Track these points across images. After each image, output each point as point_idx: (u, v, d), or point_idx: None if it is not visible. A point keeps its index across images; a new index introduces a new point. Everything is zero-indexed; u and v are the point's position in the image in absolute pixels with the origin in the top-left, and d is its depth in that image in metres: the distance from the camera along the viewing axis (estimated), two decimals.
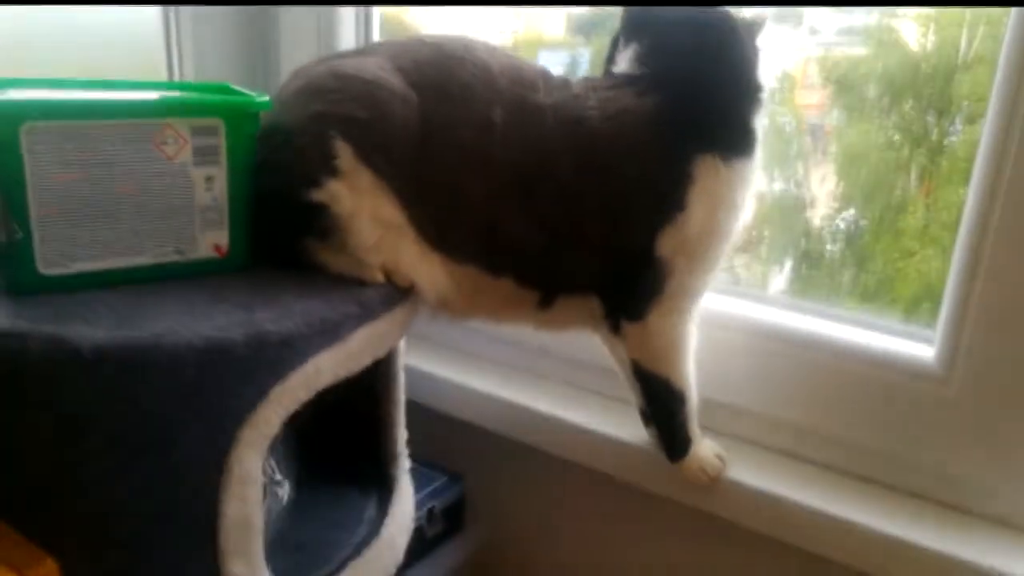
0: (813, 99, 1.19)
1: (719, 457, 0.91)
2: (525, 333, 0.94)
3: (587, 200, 0.80)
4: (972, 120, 1.01)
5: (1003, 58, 0.79)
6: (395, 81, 0.80)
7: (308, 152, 0.78)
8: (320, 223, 0.79)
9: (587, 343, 0.95)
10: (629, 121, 0.80)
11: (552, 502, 1.14)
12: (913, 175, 1.07)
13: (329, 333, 0.73)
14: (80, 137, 0.71)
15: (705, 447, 0.91)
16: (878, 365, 0.89)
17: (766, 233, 1.17)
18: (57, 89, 0.78)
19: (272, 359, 0.69)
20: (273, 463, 0.88)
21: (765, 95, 0.85)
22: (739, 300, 1.01)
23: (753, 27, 0.86)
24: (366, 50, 0.87)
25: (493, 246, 0.82)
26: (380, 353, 0.80)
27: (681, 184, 0.79)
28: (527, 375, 1.11)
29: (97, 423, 0.65)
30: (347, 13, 1.29)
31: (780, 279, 1.18)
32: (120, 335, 0.64)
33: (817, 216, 1.14)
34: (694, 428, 0.89)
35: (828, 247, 1.13)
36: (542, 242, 0.81)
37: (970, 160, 0.95)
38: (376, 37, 1.34)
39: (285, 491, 0.90)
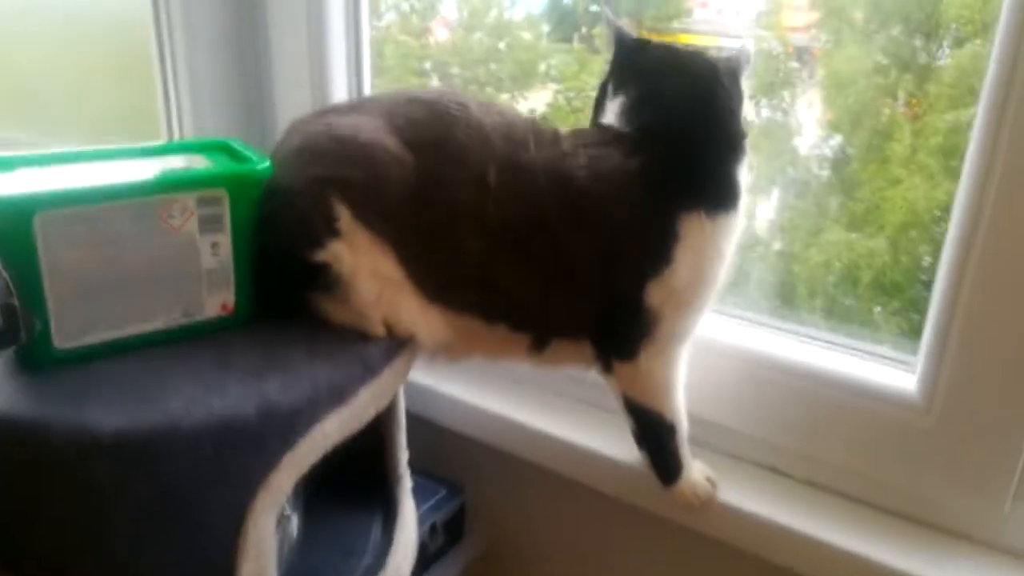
0: (799, 21, 1.19)
1: (710, 480, 0.95)
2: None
3: (578, 255, 0.82)
4: (960, 43, 1.02)
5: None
6: (390, 142, 0.81)
7: (310, 214, 0.80)
8: (323, 280, 0.82)
9: None
10: (617, 181, 0.82)
11: (548, 516, 1.17)
12: (900, 101, 1.08)
13: (336, 397, 0.76)
14: (91, 220, 0.73)
15: (696, 471, 0.95)
16: (860, 394, 0.92)
17: (753, 162, 1.19)
18: (63, 164, 0.79)
19: (283, 429, 0.72)
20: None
21: (748, 142, 0.87)
22: (726, 325, 1.03)
23: (735, 69, 0.88)
24: (360, 106, 0.89)
25: (489, 297, 0.84)
26: (383, 406, 0.83)
27: (668, 241, 0.81)
28: (527, 389, 1.14)
29: (118, 500, 0.68)
30: (339, 64, 1.30)
31: (767, 207, 1.20)
32: (138, 419, 0.67)
33: (804, 144, 1.15)
34: (685, 454, 0.93)
35: (815, 173, 1.15)
36: (536, 293, 0.84)
37: (956, 85, 0.98)
38: (368, 88, 1.34)
39: (294, 525, 0.93)
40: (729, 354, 0.99)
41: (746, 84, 0.89)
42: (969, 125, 1.00)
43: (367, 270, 0.82)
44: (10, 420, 0.67)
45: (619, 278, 0.83)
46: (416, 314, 0.84)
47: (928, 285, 1.11)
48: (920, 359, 0.89)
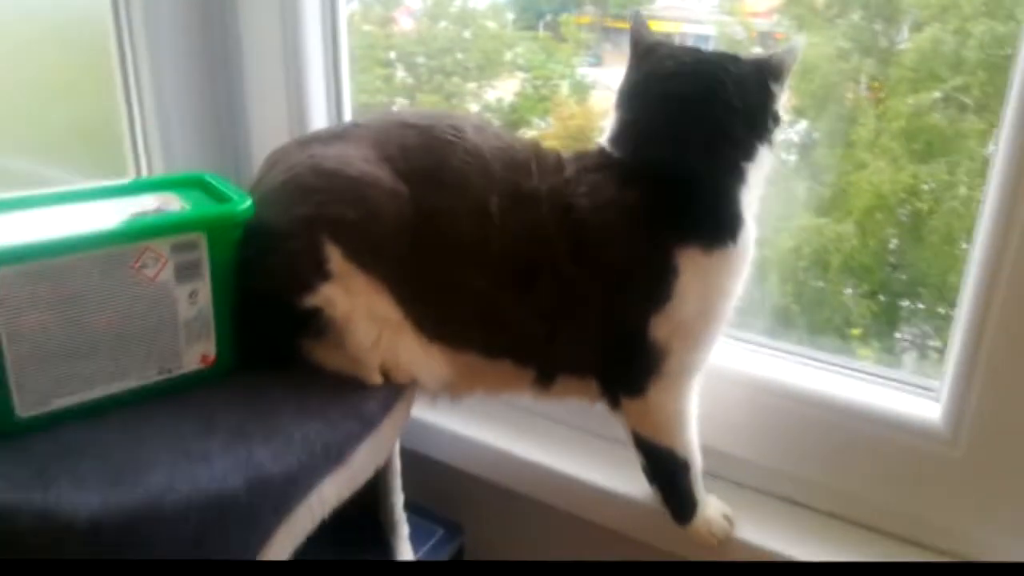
0: (762, 7, 1.19)
1: (726, 517, 0.91)
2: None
3: (581, 287, 0.77)
4: (919, 27, 1.02)
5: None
6: (382, 174, 0.76)
7: (299, 257, 0.75)
8: (315, 325, 0.76)
9: None
10: (614, 213, 0.77)
11: (553, 555, 1.13)
12: (863, 85, 1.08)
13: (332, 458, 0.70)
14: (53, 275, 0.65)
15: (712, 508, 0.90)
16: (884, 424, 0.88)
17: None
18: (15, 211, 0.72)
19: (275, 500, 0.66)
20: None
21: (759, 164, 0.80)
22: (745, 353, 0.99)
23: (763, 78, 0.79)
24: (346, 134, 0.82)
25: (492, 333, 0.80)
26: (383, 462, 0.78)
27: (666, 276, 0.76)
28: (527, 420, 1.09)
29: None
30: (318, 92, 1.22)
31: None
32: (115, 501, 0.61)
33: None
34: (700, 490, 0.89)
35: (782, 158, 1.10)
36: (540, 328, 0.79)
37: (917, 69, 0.99)
38: (347, 100, 1.26)
39: None
40: (745, 383, 0.94)
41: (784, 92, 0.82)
42: (930, 108, 1.04)
43: (363, 312, 0.76)
44: None
45: (622, 312, 0.78)
46: (417, 355, 0.79)
47: (895, 267, 1.16)
48: (944, 387, 0.85)
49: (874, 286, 1.14)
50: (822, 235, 1.12)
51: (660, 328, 0.78)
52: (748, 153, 0.79)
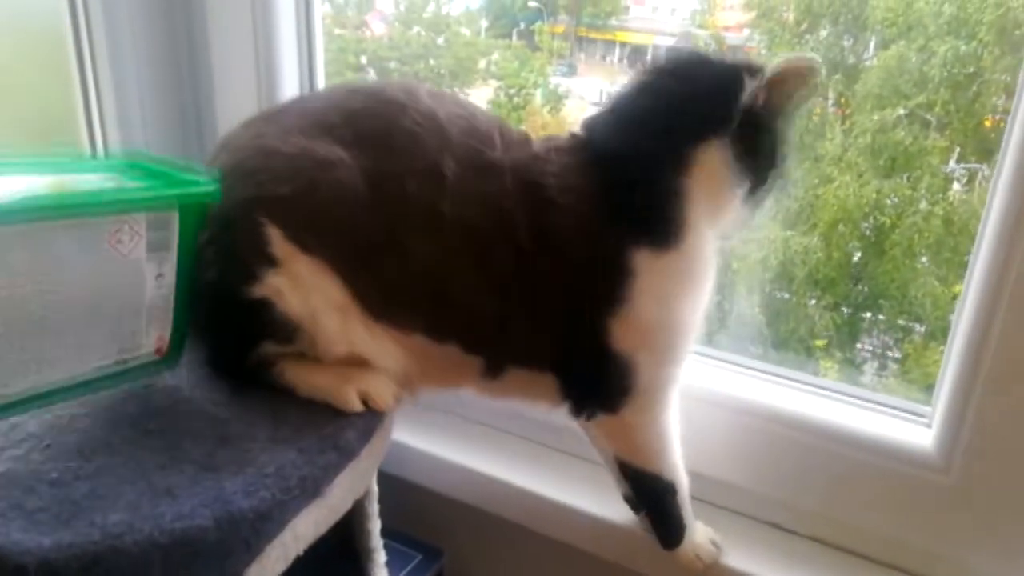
0: (733, 21, 1.21)
1: (713, 543, 0.88)
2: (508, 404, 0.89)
3: (541, 269, 0.72)
4: (886, 45, 1.05)
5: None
6: (320, 145, 0.72)
7: (242, 244, 0.71)
8: (269, 322, 0.71)
9: None
10: (574, 200, 0.72)
11: None
12: (831, 100, 1.11)
13: (308, 492, 0.65)
14: (31, 242, 0.60)
15: (700, 533, 0.87)
16: (874, 450, 0.86)
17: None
18: None
19: (247, 537, 0.61)
20: None
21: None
22: (734, 377, 0.96)
23: (734, 87, 0.73)
24: (288, 108, 0.79)
25: (440, 311, 0.74)
26: (360, 493, 0.73)
27: (620, 277, 0.72)
28: (507, 442, 1.06)
29: None
30: (290, 62, 1.16)
31: None
32: (69, 541, 0.55)
33: None
34: (688, 514, 0.86)
35: None
36: (491, 308, 0.74)
37: (883, 86, 1.01)
38: (321, 85, 1.21)
39: None
40: (734, 407, 0.92)
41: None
42: (895, 125, 1.07)
43: (318, 301, 0.72)
44: None
45: (579, 305, 0.73)
46: (365, 340, 0.74)
47: (858, 280, 1.18)
48: (937, 415, 0.83)
49: (837, 298, 1.16)
50: (788, 247, 1.14)
51: (620, 337, 0.73)
52: (688, 148, 0.73)
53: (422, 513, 1.07)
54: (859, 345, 1.17)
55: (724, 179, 0.74)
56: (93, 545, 0.55)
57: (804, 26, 1.11)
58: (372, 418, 0.73)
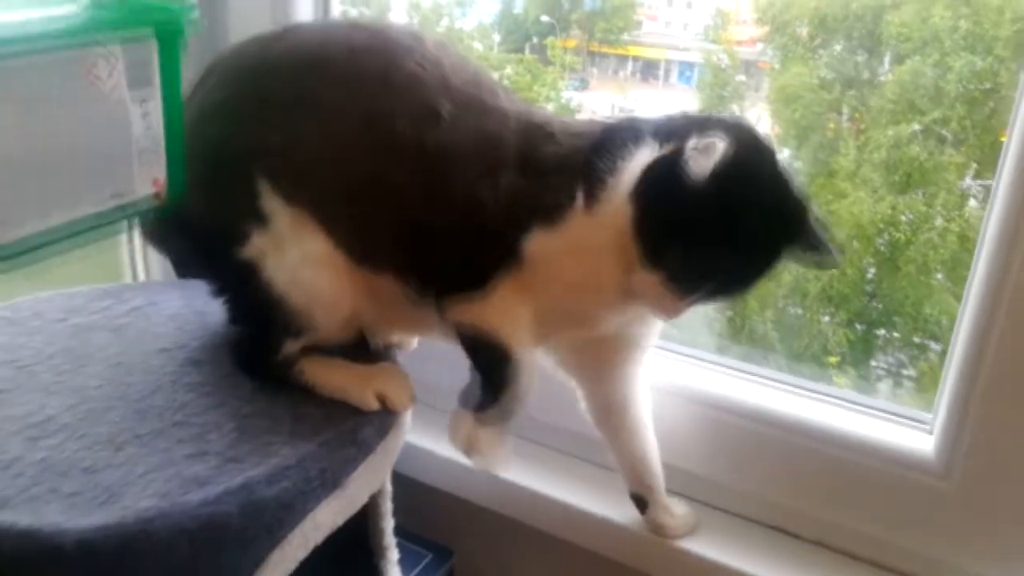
0: (746, 36, 1.21)
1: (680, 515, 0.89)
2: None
3: (504, 203, 0.71)
4: (900, 60, 1.04)
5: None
6: (316, 88, 0.72)
7: (233, 196, 0.73)
8: (257, 289, 0.73)
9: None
10: (570, 144, 0.73)
11: None
12: (845, 115, 1.10)
13: (328, 484, 0.69)
14: (11, 77, 0.58)
15: (676, 506, 0.90)
16: (875, 455, 0.88)
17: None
18: None
19: (269, 525, 0.64)
20: None
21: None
22: (736, 382, 0.98)
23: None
24: (285, 36, 0.77)
25: (406, 246, 0.74)
26: (377, 487, 0.76)
27: (566, 205, 0.71)
28: (518, 445, 1.08)
29: None
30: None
31: None
32: (104, 523, 0.58)
33: None
34: (662, 493, 0.88)
35: None
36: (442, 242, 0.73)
37: (898, 101, 1.00)
38: (337, 11, 1.15)
39: None
40: (738, 412, 0.94)
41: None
42: (910, 140, 1.05)
43: (298, 256, 0.73)
44: None
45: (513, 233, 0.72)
46: (352, 292, 0.75)
47: (872, 296, 1.17)
48: (938, 421, 0.85)
49: (851, 314, 1.15)
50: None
51: (536, 244, 0.71)
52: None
53: (434, 514, 1.10)
54: (873, 362, 1.17)
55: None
56: (126, 527, 0.58)
57: (818, 41, 1.11)
58: (388, 416, 0.76)
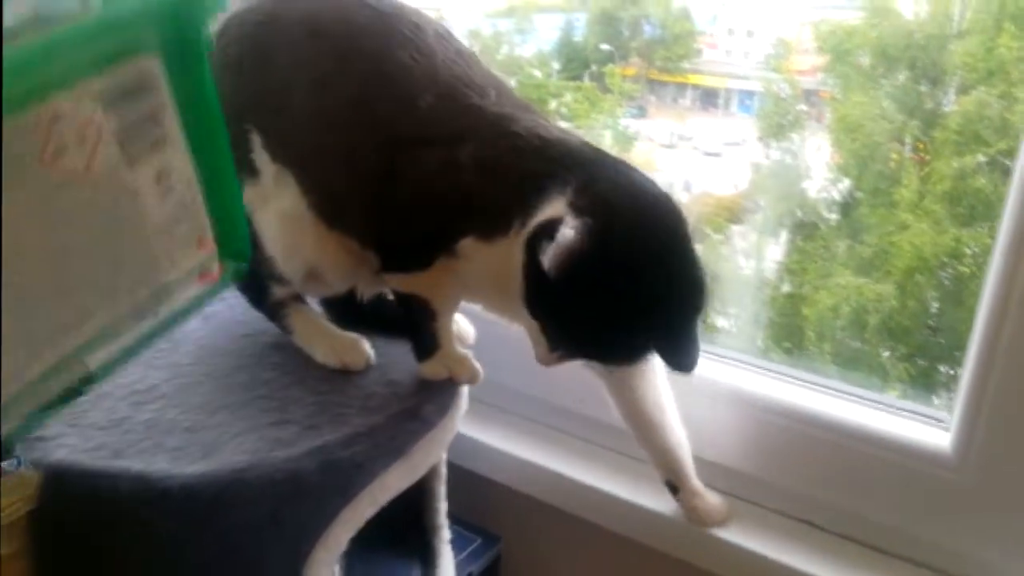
0: (807, 65, 1.20)
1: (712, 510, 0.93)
2: (567, 399, 1.00)
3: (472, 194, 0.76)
4: (965, 90, 1.02)
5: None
6: (314, 60, 0.78)
7: (232, 147, 0.79)
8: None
9: None
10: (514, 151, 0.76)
11: (585, 567, 1.15)
12: (908, 146, 1.08)
13: (394, 452, 0.77)
14: None
15: (711, 497, 0.95)
16: (895, 450, 0.91)
17: (761, 203, 1.20)
18: None
19: (343, 483, 0.73)
20: None
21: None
22: (764, 379, 1.03)
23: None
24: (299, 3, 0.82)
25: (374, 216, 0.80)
26: (436, 460, 0.84)
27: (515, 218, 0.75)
28: (564, 439, 1.13)
29: (182, 551, 0.68)
30: None
31: (775, 249, 1.20)
32: (203, 471, 0.68)
33: (812, 186, 1.14)
34: (692, 480, 0.93)
35: (823, 216, 1.15)
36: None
37: (963, 132, 0.97)
38: None
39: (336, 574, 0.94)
40: (766, 407, 0.99)
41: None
42: (975, 172, 1.04)
43: (276, 209, 0.81)
44: (81, 470, 0.67)
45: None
46: (318, 251, 0.82)
47: (935, 331, 1.14)
48: (955, 417, 0.90)
49: (912, 349, 1.12)
50: (861, 295, 1.12)
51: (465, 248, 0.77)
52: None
53: (484, 502, 1.16)
54: (936, 399, 1.12)
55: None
56: (222, 476, 0.67)
57: (880, 70, 1.09)
58: (449, 396, 0.84)
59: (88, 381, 0.49)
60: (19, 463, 0.61)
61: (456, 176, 0.75)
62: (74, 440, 0.71)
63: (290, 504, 0.69)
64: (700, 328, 0.74)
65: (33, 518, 0.63)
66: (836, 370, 1.12)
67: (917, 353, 1.11)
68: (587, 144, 0.77)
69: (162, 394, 0.80)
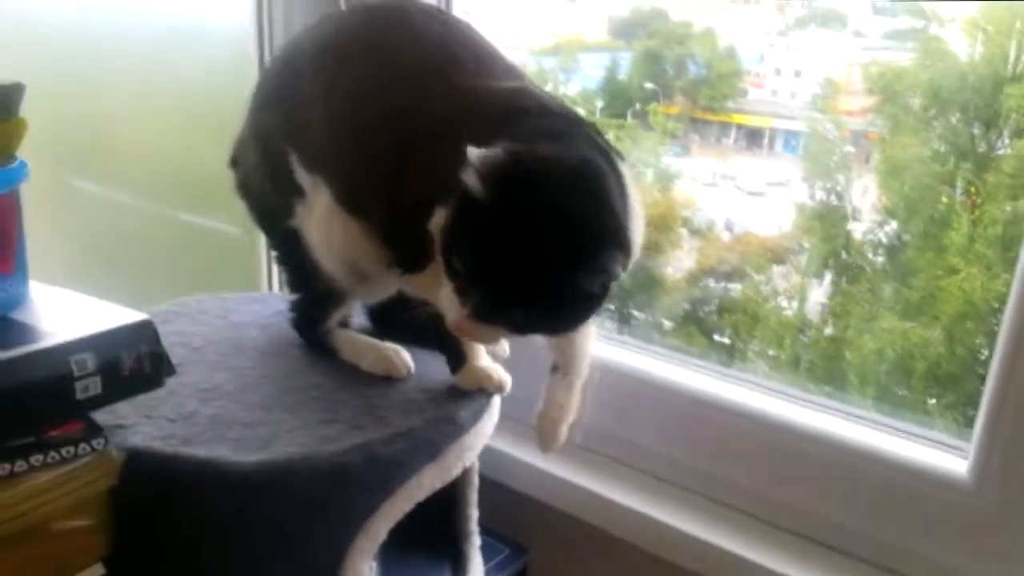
0: (855, 106, 1.19)
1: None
2: (600, 417, 1.03)
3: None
4: (1020, 133, 1.00)
5: None
6: (340, 82, 0.84)
7: (279, 173, 0.89)
8: (298, 250, 0.90)
9: (677, 438, 1.04)
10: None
11: None
12: (959, 189, 1.06)
13: (431, 453, 0.83)
14: None
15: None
16: (913, 475, 0.93)
17: (805, 244, 1.19)
18: None
19: (384, 477, 0.80)
20: None
21: None
22: (785, 404, 1.04)
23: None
24: (329, 28, 0.90)
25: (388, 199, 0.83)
26: (469, 463, 0.91)
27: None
28: (591, 457, 1.16)
29: (237, 532, 0.76)
30: None
31: (819, 291, 1.19)
32: (260, 460, 0.75)
33: (859, 228, 1.13)
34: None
35: (869, 259, 1.14)
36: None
37: (1017, 176, 0.95)
38: None
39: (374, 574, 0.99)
40: (782, 429, 1.03)
41: None
42: None
43: (317, 210, 0.88)
44: (154, 455, 0.76)
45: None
46: (345, 239, 0.87)
47: (985, 379, 1.08)
48: (972, 444, 0.91)
49: (960, 397, 1.08)
50: (907, 339, 1.09)
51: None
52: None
53: (512, 513, 1.21)
54: None
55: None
56: (277, 465, 0.75)
57: (931, 112, 1.07)
58: (481, 403, 0.91)
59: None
60: (106, 442, 0.70)
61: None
62: (148, 429, 0.79)
63: (336, 494, 0.76)
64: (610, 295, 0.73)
65: (111, 495, 0.71)
66: (879, 417, 1.09)
67: (966, 402, 1.07)
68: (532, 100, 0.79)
69: (226, 392, 0.88)
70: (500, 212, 0.68)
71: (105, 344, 0.70)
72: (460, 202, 0.69)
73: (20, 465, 0.67)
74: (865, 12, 1.14)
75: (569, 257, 0.68)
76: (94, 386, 0.69)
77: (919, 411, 1.10)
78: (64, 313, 0.74)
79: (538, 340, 0.85)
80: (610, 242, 0.70)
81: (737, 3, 1.48)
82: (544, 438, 0.92)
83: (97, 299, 0.76)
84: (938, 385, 1.10)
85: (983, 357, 1.06)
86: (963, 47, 1.04)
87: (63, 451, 0.69)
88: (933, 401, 1.10)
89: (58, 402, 0.69)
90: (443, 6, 1.26)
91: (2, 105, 0.69)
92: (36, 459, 0.67)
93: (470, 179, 0.67)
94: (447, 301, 0.73)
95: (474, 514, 1.04)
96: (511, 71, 0.85)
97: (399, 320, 0.95)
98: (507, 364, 0.97)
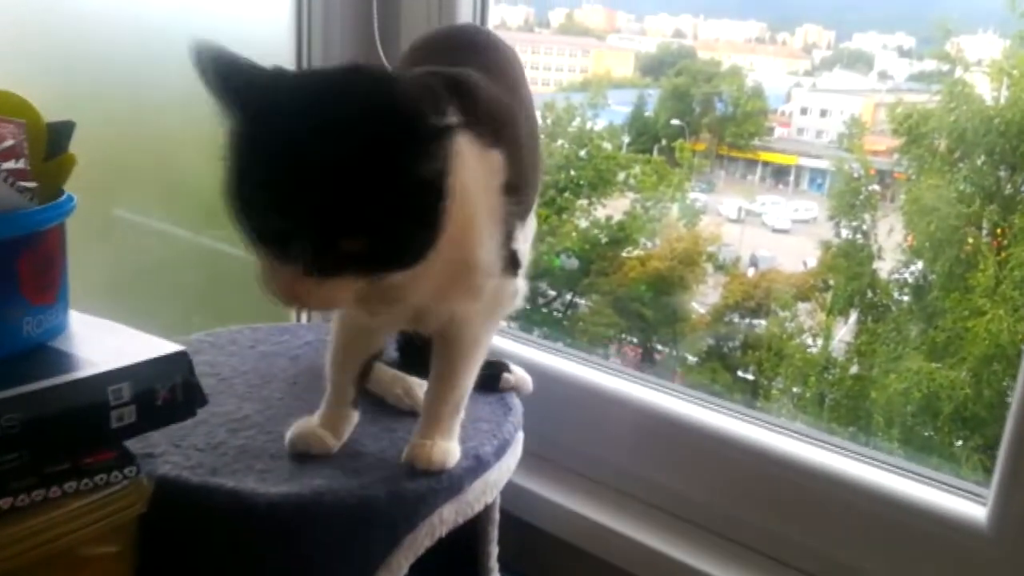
0: (882, 145, 1.21)
1: None
2: (621, 456, 1.04)
3: None
4: None
5: None
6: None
7: None
8: None
9: (698, 478, 1.06)
10: None
11: None
12: (984, 230, 1.07)
13: (453, 488, 0.84)
14: None
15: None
16: (931, 520, 0.94)
17: (830, 282, 1.21)
18: None
19: (407, 512, 0.80)
20: None
21: None
22: (808, 447, 1.07)
23: None
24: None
25: None
26: (490, 499, 0.91)
27: None
28: (612, 495, 1.18)
29: (264, 562, 0.77)
30: None
31: (844, 330, 1.21)
32: (287, 492, 0.76)
33: (884, 268, 1.15)
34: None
35: (895, 298, 1.16)
36: None
37: None
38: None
39: None
40: (806, 473, 1.03)
41: None
42: None
43: None
44: (182, 484, 0.77)
45: None
46: None
47: None
48: (992, 491, 0.92)
49: (988, 440, 1.08)
50: (933, 380, 1.09)
51: None
52: None
53: (532, 550, 1.20)
54: None
55: None
56: (303, 497, 0.76)
57: (957, 154, 1.09)
58: (504, 440, 0.91)
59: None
60: (138, 471, 0.71)
61: None
62: (177, 458, 0.81)
63: (360, 527, 0.77)
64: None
65: (140, 522, 0.73)
66: (903, 458, 1.09)
67: (993, 445, 1.03)
68: None
69: (255, 423, 0.89)
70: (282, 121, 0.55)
71: (141, 374, 0.72)
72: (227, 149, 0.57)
73: (54, 491, 0.68)
74: (891, 54, 1.18)
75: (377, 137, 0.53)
76: (128, 415, 0.71)
77: (945, 455, 1.11)
78: (102, 343, 0.76)
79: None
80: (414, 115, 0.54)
81: (764, 43, 1.52)
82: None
83: (134, 329, 0.78)
84: (965, 427, 1.10)
85: (1011, 400, 1.03)
86: (988, 91, 1.06)
87: (96, 478, 0.70)
88: (960, 443, 1.11)
89: (94, 430, 0.70)
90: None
91: (53, 142, 0.71)
92: (70, 486, 0.69)
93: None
94: (265, 274, 0.59)
95: (494, 551, 1.04)
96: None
97: (425, 353, 0.96)
98: (528, 400, 0.97)
